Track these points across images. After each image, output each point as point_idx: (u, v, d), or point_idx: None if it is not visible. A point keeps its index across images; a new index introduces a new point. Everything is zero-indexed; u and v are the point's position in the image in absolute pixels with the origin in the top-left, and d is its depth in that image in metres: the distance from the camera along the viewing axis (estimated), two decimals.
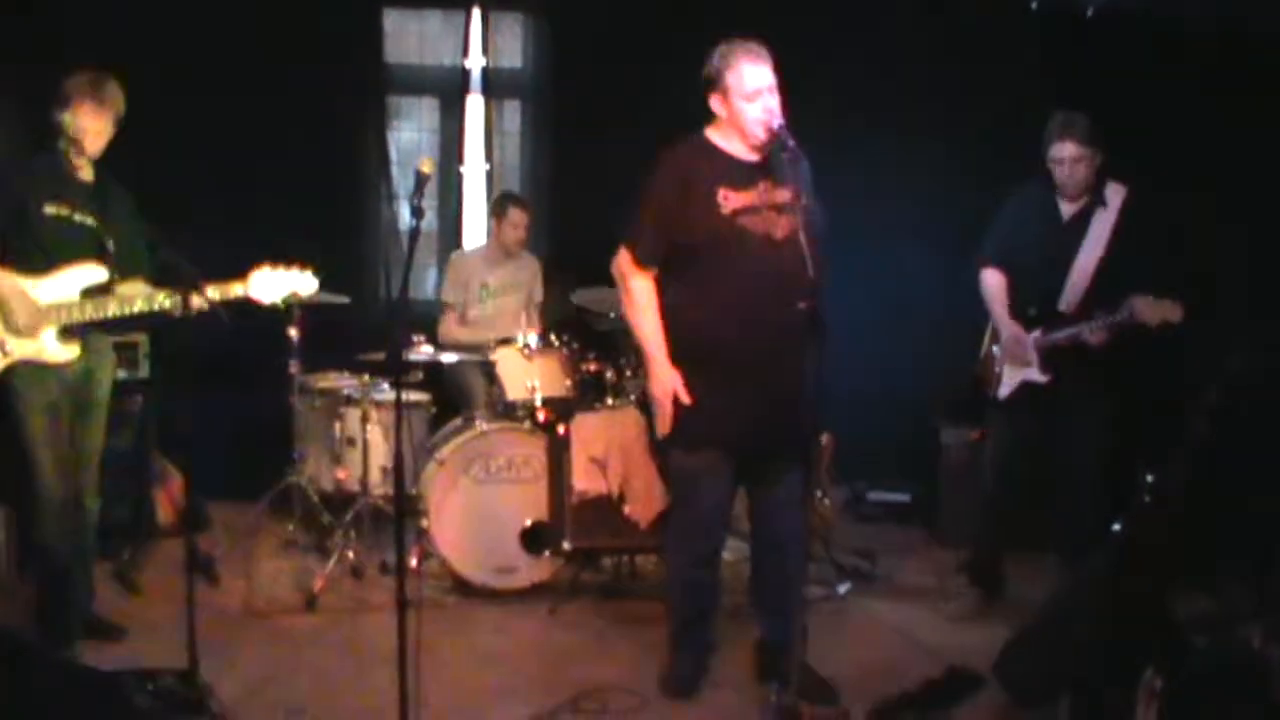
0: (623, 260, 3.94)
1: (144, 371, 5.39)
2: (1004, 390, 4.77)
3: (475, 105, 6.60)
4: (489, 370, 5.28)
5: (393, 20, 6.50)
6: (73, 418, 4.16)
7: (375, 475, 5.25)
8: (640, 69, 6.02)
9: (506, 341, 5.20)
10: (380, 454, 5.27)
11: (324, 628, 4.66)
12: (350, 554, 5.15)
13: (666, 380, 3.86)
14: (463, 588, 4.95)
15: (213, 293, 3.89)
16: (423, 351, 5.39)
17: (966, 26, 6.10)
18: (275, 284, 4.08)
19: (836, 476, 5.70)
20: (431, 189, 6.29)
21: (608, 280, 4.13)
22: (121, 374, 5.04)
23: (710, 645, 4.16)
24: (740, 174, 3.81)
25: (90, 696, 3.36)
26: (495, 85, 6.59)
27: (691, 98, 3.86)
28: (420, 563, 5.04)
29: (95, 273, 4.05)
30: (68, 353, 4.06)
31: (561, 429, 4.86)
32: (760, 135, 3.73)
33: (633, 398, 4.97)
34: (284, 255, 4.14)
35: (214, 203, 5.77)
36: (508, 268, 6.06)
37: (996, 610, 4.78)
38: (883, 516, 6.19)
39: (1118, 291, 4.44)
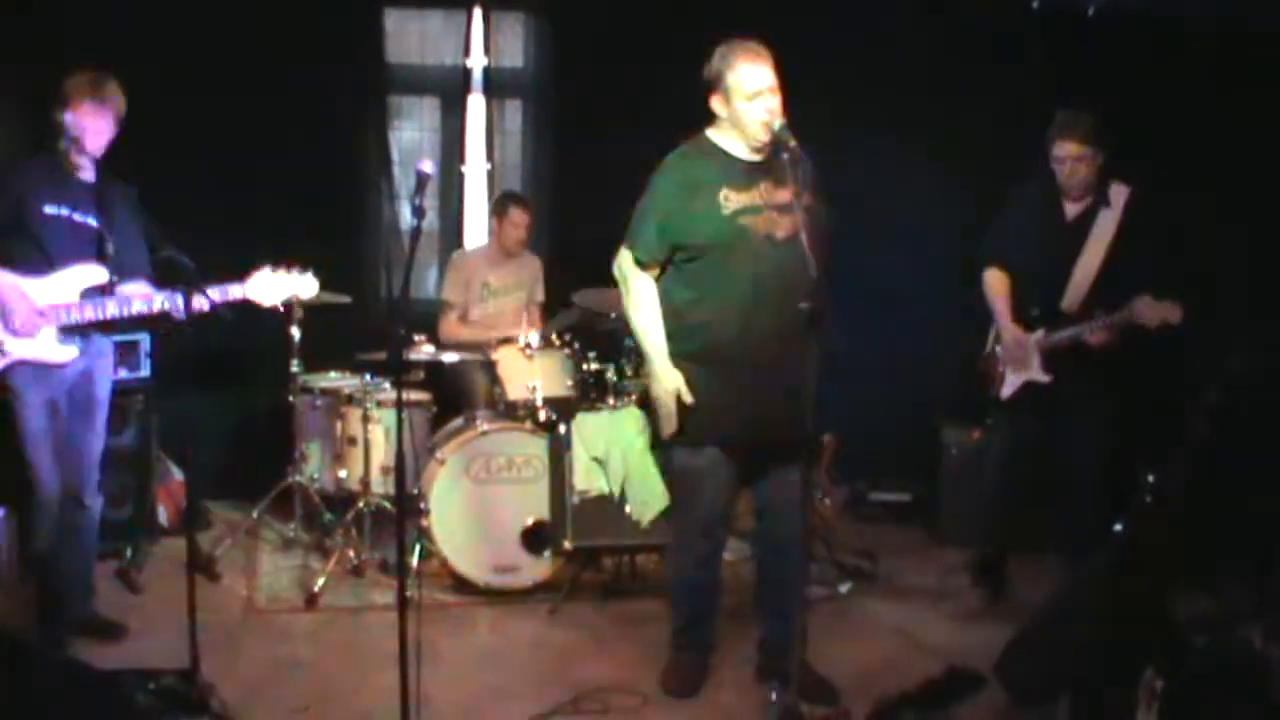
0: (623, 260, 3.95)
1: (144, 371, 5.39)
2: (1007, 390, 4.78)
3: (476, 105, 6.59)
4: (490, 370, 5.28)
5: (394, 20, 6.49)
6: (72, 417, 4.16)
7: (376, 475, 5.25)
8: (641, 69, 6.01)
9: (507, 341, 5.21)
10: (381, 453, 5.27)
11: (324, 627, 4.66)
12: (351, 553, 5.16)
13: (669, 380, 3.87)
14: (463, 587, 4.95)
15: (213, 294, 3.89)
16: (424, 351, 5.39)
17: (966, 26, 6.10)
18: (275, 286, 4.08)
19: (837, 476, 5.71)
20: (433, 189, 6.28)
21: (608, 280, 4.13)
22: (122, 373, 5.05)
23: (710, 645, 4.17)
24: (741, 174, 3.82)
25: (90, 696, 3.36)
26: (496, 85, 6.58)
27: (692, 98, 3.87)
28: (420, 562, 5.05)
29: (95, 273, 4.05)
30: (66, 353, 4.06)
31: (562, 429, 4.87)
32: (761, 135, 3.73)
33: (633, 397, 4.98)
34: (284, 255, 4.15)
35: (214, 203, 5.76)
36: (509, 267, 6.06)
37: (997, 610, 4.78)
38: (883, 516, 6.19)
39: (1120, 292, 4.44)
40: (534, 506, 4.93)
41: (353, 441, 5.32)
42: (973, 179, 5.67)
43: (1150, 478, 3.68)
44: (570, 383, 5.10)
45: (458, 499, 4.92)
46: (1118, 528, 3.71)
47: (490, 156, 6.63)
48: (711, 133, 3.89)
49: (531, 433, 5.01)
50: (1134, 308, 4.36)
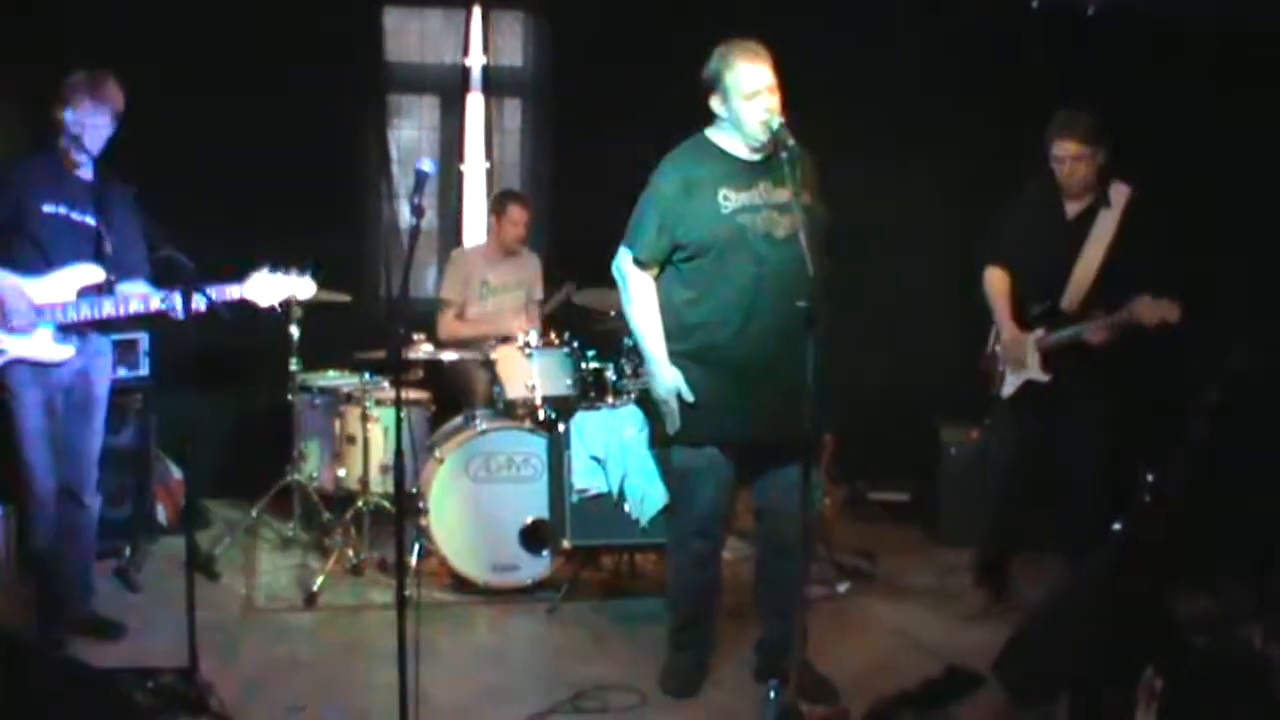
0: (623, 260, 3.94)
1: (144, 370, 5.39)
2: (1007, 389, 4.77)
3: (475, 103, 6.60)
4: (489, 368, 5.28)
5: (393, 19, 6.50)
6: (70, 416, 4.16)
7: (375, 473, 5.24)
8: (640, 68, 6.01)
9: (507, 340, 5.20)
10: (380, 452, 5.26)
11: (324, 626, 4.66)
12: (349, 552, 5.16)
13: (669, 380, 3.87)
14: (462, 586, 4.95)
15: (211, 294, 3.89)
16: (423, 350, 5.39)
17: (966, 26, 6.10)
18: (273, 287, 4.08)
19: (837, 476, 5.71)
20: (432, 187, 6.30)
21: (607, 279, 4.13)
22: (121, 372, 5.05)
23: (710, 645, 4.16)
24: (741, 174, 3.82)
25: (90, 695, 3.36)
26: (495, 83, 6.59)
27: (690, 97, 3.86)
28: (419, 561, 5.05)
29: (93, 272, 4.05)
30: (63, 352, 4.06)
31: (561, 427, 4.87)
32: (760, 135, 3.73)
33: (633, 397, 4.97)
34: (284, 255, 4.15)
35: (214, 203, 5.76)
36: (508, 265, 6.06)
37: (997, 610, 4.78)
38: (883, 516, 6.19)
39: (1121, 291, 4.42)
40: (533, 505, 4.93)
41: (352, 440, 5.32)
42: (972, 179, 5.67)
43: (1150, 477, 3.68)
44: (569, 381, 5.10)
45: (457, 498, 4.92)
46: (1117, 527, 3.71)
47: (489, 155, 6.64)
48: (710, 132, 3.89)
49: (530, 431, 5.01)
50: (1133, 307, 4.35)
